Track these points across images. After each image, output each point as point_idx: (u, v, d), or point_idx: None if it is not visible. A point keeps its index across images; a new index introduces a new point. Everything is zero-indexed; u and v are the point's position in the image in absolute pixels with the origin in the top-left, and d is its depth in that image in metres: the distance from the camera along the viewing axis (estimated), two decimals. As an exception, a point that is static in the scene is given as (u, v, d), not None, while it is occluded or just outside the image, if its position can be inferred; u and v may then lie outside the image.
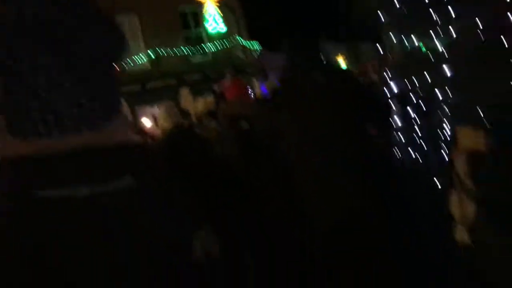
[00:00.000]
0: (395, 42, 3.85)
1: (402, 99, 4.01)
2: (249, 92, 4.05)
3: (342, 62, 34.68)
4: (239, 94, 3.89)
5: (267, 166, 3.34)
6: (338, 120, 2.29)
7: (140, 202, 0.90)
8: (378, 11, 3.89)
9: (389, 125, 2.81)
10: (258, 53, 23.38)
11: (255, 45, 22.33)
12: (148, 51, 17.99)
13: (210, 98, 5.20)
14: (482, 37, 1.63)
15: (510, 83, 1.23)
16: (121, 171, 0.90)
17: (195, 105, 5.03)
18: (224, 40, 19.16)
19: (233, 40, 19.71)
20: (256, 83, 22.60)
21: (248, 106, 3.81)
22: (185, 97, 4.71)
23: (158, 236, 0.89)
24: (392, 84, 4.10)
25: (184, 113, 4.61)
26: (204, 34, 19.24)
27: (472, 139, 1.21)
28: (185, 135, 3.88)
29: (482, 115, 1.20)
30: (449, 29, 3.09)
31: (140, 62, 17.84)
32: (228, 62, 19.18)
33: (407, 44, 3.69)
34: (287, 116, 2.35)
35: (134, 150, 0.97)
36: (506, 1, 1.76)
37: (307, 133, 2.31)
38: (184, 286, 0.91)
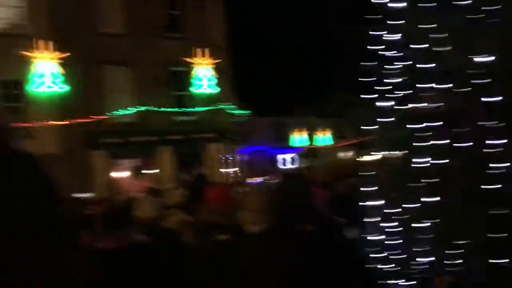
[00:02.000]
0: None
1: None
2: (231, 198, 3.96)
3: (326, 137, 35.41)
4: (221, 201, 3.82)
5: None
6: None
7: None
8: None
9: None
10: (243, 118, 23.74)
11: (241, 111, 22.71)
12: (135, 106, 18.11)
13: (182, 191, 5.20)
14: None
15: None
16: None
17: (170, 195, 5.03)
18: (210, 103, 19.46)
19: (218, 104, 20.03)
20: (238, 149, 22.77)
21: (229, 216, 3.75)
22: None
23: None
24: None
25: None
26: (192, 95, 19.53)
27: None
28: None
29: None
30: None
31: (125, 115, 17.91)
32: (211, 125, 19.44)
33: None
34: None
35: None
36: None
37: None
38: None
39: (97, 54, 17.20)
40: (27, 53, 15.65)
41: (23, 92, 16.48)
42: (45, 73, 16.34)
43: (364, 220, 6.91)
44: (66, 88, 16.63)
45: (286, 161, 34.60)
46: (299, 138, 34.47)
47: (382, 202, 4.78)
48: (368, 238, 4.84)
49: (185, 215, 4.48)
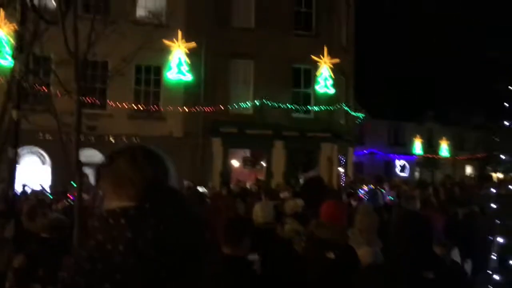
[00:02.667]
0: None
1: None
2: (345, 214, 3.88)
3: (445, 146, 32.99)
4: (335, 218, 3.78)
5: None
6: None
7: None
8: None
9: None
10: (360, 121, 23.22)
11: (358, 114, 22.24)
12: (255, 100, 18.68)
13: (300, 201, 5.27)
14: None
15: None
16: None
17: (286, 204, 5.13)
18: (329, 102, 19.34)
19: (337, 105, 19.81)
20: (351, 151, 22.36)
21: (340, 233, 3.70)
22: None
23: None
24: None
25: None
26: (311, 94, 19.59)
27: None
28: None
29: None
30: None
31: (245, 107, 18.58)
32: (328, 125, 19.33)
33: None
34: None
35: None
36: None
37: None
38: None
39: (226, 46, 18.04)
40: (167, 42, 16.95)
41: (161, 78, 17.96)
42: (181, 61, 17.65)
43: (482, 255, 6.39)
44: (195, 77, 17.81)
45: (405, 168, 32.88)
46: (417, 144, 32.70)
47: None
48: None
49: (299, 225, 4.55)
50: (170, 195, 1.73)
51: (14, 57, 4.77)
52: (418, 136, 32.33)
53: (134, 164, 1.69)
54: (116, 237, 1.58)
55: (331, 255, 3.54)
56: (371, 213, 4.91)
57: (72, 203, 7.65)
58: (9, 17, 14.48)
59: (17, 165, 4.77)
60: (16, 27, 4.82)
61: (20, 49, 4.34)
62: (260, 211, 4.24)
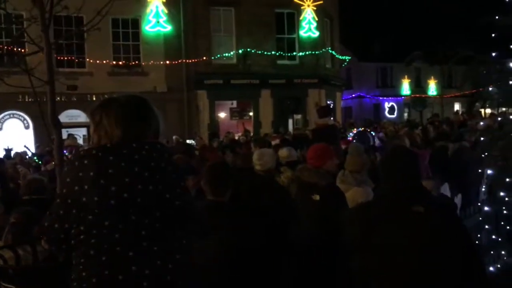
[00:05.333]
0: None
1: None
2: (333, 158, 3.82)
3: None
4: (321, 162, 3.70)
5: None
6: (433, 253, 2.19)
7: None
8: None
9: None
10: (346, 64, 22.88)
11: (345, 57, 21.87)
12: (238, 49, 18.20)
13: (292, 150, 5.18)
14: None
15: None
16: None
17: (280, 153, 5.03)
18: (314, 46, 18.93)
19: (323, 49, 19.41)
20: (339, 95, 22.17)
21: (325, 177, 3.64)
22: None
23: None
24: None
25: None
26: (296, 39, 19.12)
27: None
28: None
29: None
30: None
31: (228, 56, 18.14)
32: (314, 70, 19.01)
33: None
34: (377, 239, 2.26)
35: None
36: None
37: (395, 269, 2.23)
38: None
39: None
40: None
41: (140, 31, 17.33)
42: (159, 13, 17.01)
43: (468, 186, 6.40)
44: (175, 28, 17.23)
45: (393, 109, 32.85)
46: (406, 85, 32.55)
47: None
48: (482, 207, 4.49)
49: (293, 172, 4.49)
50: (148, 145, 1.75)
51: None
52: (406, 76, 32.14)
53: (115, 116, 1.74)
54: (82, 177, 1.67)
55: (316, 197, 3.52)
56: (361, 153, 4.84)
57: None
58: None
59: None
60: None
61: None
62: (257, 159, 4.12)
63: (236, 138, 13.49)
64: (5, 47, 10.54)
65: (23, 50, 13.47)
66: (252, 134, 15.58)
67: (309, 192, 3.58)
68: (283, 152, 5.25)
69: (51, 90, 3.45)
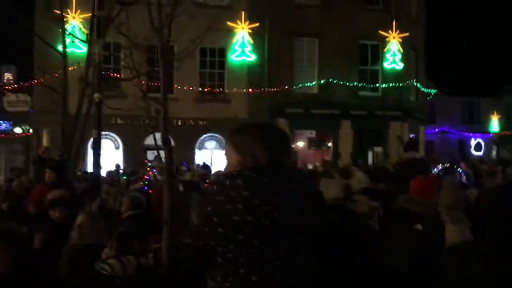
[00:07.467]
0: None
1: None
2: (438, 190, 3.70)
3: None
4: (428, 193, 3.58)
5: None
6: None
7: None
8: None
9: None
10: (431, 97, 22.12)
11: (429, 90, 21.17)
12: (320, 79, 18.26)
13: (364, 176, 5.06)
14: None
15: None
16: None
17: (352, 180, 4.94)
18: (397, 79, 18.52)
19: (407, 81, 18.93)
20: (422, 129, 21.40)
21: (431, 208, 3.51)
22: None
23: None
24: None
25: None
26: (379, 70, 18.84)
27: None
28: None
29: None
30: None
31: (309, 86, 18.24)
32: (397, 103, 18.55)
33: None
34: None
35: None
36: None
37: None
38: None
39: (290, 25, 17.70)
40: (230, 24, 16.92)
41: (225, 60, 18.03)
42: (244, 43, 17.62)
43: None
44: (259, 58, 17.70)
45: (480, 146, 30.97)
46: (495, 121, 30.64)
47: None
48: None
49: (371, 201, 4.40)
50: (287, 168, 1.86)
51: (92, 42, 4.87)
52: (495, 112, 30.33)
53: (261, 141, 1.83)
54: (234, 196, 1.71)
55: (419, 227, 3.39)
56: (457, 188, 4.59)
57: (147, 183, 7.88)
58: (79, 6, 15.14)
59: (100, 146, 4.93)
60: (91, 13, 4.92)
61: (99, 33, 4.41)
62: (325, 188, 4.06)
63: (312, 168, 13.41)
64: (107, 73, 11.40)
65: (119, 76, 14.56)
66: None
67: (411, 223, 3.47)
68: (357, 178, 5.12)
69: (164, 111, 3.64)
